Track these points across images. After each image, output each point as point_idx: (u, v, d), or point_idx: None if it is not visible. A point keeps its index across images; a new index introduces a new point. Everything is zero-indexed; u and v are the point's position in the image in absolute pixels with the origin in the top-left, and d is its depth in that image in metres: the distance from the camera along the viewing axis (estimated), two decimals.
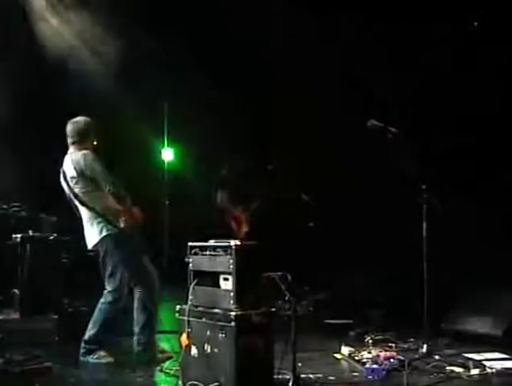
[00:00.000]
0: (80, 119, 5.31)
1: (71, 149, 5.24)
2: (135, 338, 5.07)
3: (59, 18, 7.93)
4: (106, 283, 5.12)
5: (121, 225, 5.06)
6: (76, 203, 5.15)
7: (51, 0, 7.86)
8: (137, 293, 5.10)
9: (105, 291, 5.12)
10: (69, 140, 5.25)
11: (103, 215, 5.06)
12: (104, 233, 5.05)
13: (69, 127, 5.27)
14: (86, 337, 5.09)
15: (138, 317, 5.06)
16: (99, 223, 5.07)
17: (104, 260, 5.10)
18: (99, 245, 5.08)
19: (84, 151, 5.14)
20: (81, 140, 5.21)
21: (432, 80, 7.67)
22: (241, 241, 4.09)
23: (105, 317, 5.07)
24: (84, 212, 5.16)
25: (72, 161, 5.13)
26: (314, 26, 8.23)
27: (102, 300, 5.11)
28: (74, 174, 5.09)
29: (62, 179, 5.20)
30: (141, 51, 8.35)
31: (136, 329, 5.06)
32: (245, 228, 7.35)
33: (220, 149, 9.11)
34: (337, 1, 8.17)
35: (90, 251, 5.21)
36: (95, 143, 5.31)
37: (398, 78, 7.95)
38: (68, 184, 5.15)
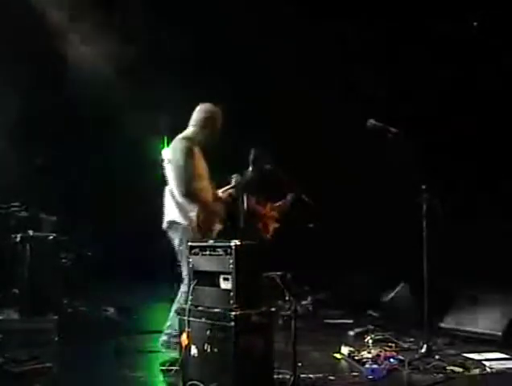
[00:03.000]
0: (202, 105, 5.21)
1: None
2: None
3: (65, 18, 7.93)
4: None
5: (192, 223, 4.92)
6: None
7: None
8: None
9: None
10: None
11: (180, 204, 4.96)
12: (177, 219, 4.95)
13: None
14: (167, 329, 4.99)
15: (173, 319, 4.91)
16: (176, 208, 4.99)
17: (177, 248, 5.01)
18: (171, 226, 5.00)
19: (181, 137, 5.05)
20: (191, 125, 5.14)
21: (432, 80, 7.67)
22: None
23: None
24: (167, 192, 5.09)
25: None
26: (312, 26, 8.24)
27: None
28: (166, 156, 5.08)
29: None
30: (142, 51, 8.35)
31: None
32: (274, 225, 7.30)
33: (220, 148, 9.10)
34: (335, 1, 8.18)
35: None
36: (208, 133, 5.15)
37: (397, 78, 7.95)
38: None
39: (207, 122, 5.14)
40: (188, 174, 4.87)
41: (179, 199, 4.95)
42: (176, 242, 4.98)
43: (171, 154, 5.02)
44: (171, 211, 5.02)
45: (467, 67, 7.44)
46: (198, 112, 5.18)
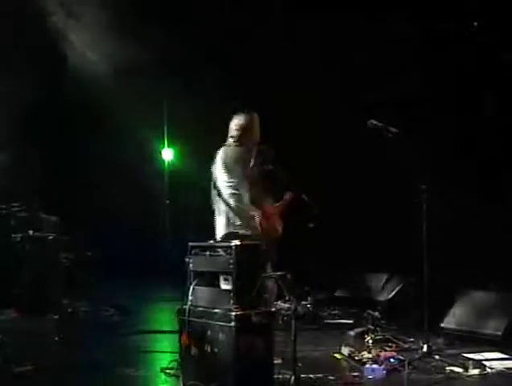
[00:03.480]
0: (242, 114, 5.16)
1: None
2: None
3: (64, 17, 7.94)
4: None
5: (256, 230, 4.83)
6: (215, 194, 5.00)
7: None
8: None
9: None
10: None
11: (236, 211, 4.86)
12: (240, 231, 4.83)
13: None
14: None
15: None
16: (235, 220, 4.88)
17: None
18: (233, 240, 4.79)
19: (228, 146, 5.01)
20: (231, 135, 5.09)
21: (432, 80, 7.67)
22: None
23: None
24: (221, 205, 4.96)
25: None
26: (313, 27, 8.25)
27: None
28: (215, 165, 4.99)
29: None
30: (142, 51, 8.35)
31: None
32: (279, 225, 7.24)
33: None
34: (336, 1, 8.19)
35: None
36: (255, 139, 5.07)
37: (397, 77, 7.95)
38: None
39: (243, 136, 5.06)
40: (247, 182, 4.86)
41: (241, 207, 4.86)
42: None
43: (221, 163, 4.93)
44: (228, 225, 4.88)
45: (468, 65, 7.43)
46: (234, 125, 5.10)
